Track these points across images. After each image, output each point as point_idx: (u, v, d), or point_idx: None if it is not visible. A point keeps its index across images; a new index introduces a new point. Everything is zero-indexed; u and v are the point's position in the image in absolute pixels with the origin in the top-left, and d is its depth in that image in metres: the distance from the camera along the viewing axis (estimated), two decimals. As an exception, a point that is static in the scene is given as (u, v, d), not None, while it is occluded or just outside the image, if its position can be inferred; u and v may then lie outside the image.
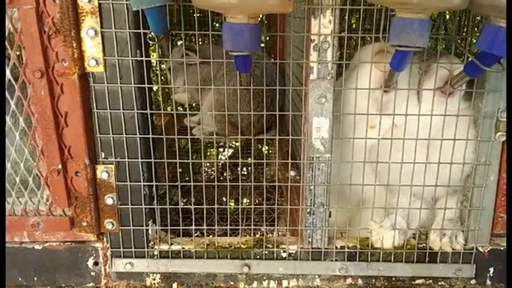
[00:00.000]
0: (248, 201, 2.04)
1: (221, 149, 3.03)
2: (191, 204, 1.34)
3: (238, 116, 1.34)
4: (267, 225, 1.59)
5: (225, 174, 2.73)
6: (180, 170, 1.39)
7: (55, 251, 1.35)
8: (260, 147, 2.88)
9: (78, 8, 1.17)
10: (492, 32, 1.02)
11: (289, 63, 1.84)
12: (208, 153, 3.05)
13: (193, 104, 2.85)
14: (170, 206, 1.32)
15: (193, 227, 1.34)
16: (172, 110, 2.73)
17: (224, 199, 2.17)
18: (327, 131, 1.26)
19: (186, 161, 1.30)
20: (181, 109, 3.00)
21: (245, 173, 2.94)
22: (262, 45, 3.36)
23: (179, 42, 2.40)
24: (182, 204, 1.36)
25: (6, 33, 1.20)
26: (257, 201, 2.03)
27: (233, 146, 3.06)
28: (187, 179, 1.94)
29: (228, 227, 1.36)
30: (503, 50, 1.03)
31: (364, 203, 1.43)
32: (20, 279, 1.37)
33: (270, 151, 2.77)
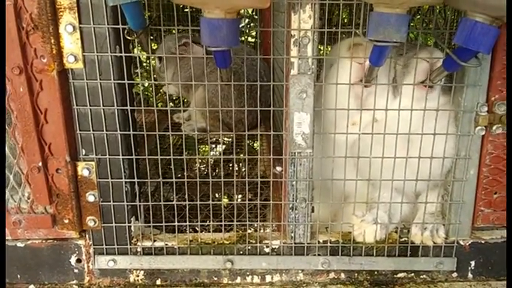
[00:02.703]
0: (238, 197, 2.03)
1: (213, 145, 3.03)
2: (179, 201, 1.35)
3: (220, 112, 1.34)
4: (252, 221, 1.59)
5: (216, 170, 2.73)
6: (170, 167, 1.37)
7: (37, 249, 1.35)
8: (251, 143, 2.88)
9: (56, 3, 1.16)
10: (468, 27, 1.03)
11: (278, 59, 1.84)
12: (199, 150, 3.04)
13: (185, 100, 2.85)
14: (153, 203, 1.32)
15: (175, 223, 1.35)
16: (161, 106, 2.72)
17: (216, 195, 2.17)
18: (308, 126, 1.26)
19: (167, 157, 1.29)
20: (171, 104, 2.99)
21: (237, 168, 2.94)
22: (252, 40, 3.35)
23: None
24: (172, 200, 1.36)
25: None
26: (247, 197, 2.03)
27: (226, 142, 3.05)
28: (179, 175, 1.94)
29: (211, 223, 1.36)
30: (479, 45, 1.03)
31: (346, 197, 1.44)
32: (2, 277, 1.37)
33: (262, 147, 2.77)
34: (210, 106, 2.00)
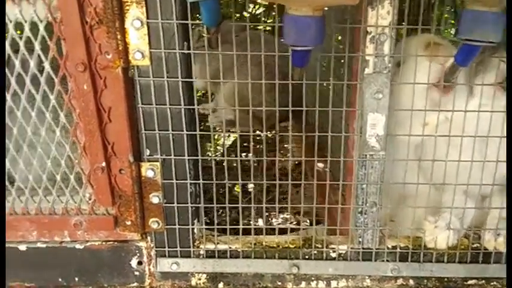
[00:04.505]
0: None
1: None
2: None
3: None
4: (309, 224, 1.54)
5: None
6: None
7: (97, 251, 1.31)
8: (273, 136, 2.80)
9: (124, -4, 1.10)
10: None
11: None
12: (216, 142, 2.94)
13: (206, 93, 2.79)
14: (217, 205, 1.27)
15: (240, 226, 1.30)
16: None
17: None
18: (383, 128, 1.19)
19: (234, 158, 1.24)
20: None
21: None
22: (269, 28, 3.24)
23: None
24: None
25: (44, 23, 1.13)
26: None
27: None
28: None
29: (276, 226, 1.31)
30: None
31: (407, 199, 1.39)
32: (60, 279, 1.33)
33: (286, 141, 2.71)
34: (241, 99, 1.94)
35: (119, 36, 1.12)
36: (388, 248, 1.31)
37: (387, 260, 1.31)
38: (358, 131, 1.22)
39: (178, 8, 1.11)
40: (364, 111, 1.18)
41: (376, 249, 1.30)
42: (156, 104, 1.19)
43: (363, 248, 1.31)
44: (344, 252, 1.32)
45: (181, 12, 1.12)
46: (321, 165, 1.63)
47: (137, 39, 1.13)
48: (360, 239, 1.30)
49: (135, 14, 1.11)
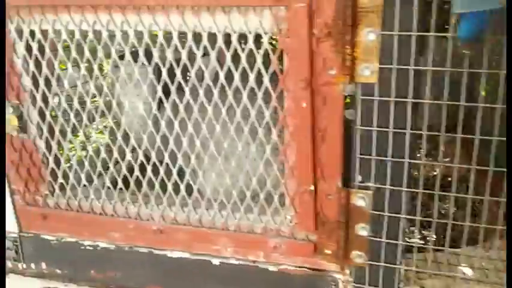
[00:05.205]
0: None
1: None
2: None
3: None
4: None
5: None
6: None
7: (290, 276, 1.22)
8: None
9: (358, 5, 0.97)
10: None
11: None
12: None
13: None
14: (434, 247, 1.10)
15: (458, 274, 1.11)
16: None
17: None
18: None
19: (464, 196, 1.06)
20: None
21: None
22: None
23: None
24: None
25: (268, 35, 1.05)
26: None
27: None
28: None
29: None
30: None
31: None
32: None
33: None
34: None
35: (347, 50, 1.00)
36: None
37: None
38: None
39: (419, 17, 0.96)
40: None
41: None
42: (377, 127, 1.05)
43: None
44: None
45: (422, 22, 0.97)
46: None
47: (367, 53, 1.00)
48: None
49: (369, 25, 0.98)
